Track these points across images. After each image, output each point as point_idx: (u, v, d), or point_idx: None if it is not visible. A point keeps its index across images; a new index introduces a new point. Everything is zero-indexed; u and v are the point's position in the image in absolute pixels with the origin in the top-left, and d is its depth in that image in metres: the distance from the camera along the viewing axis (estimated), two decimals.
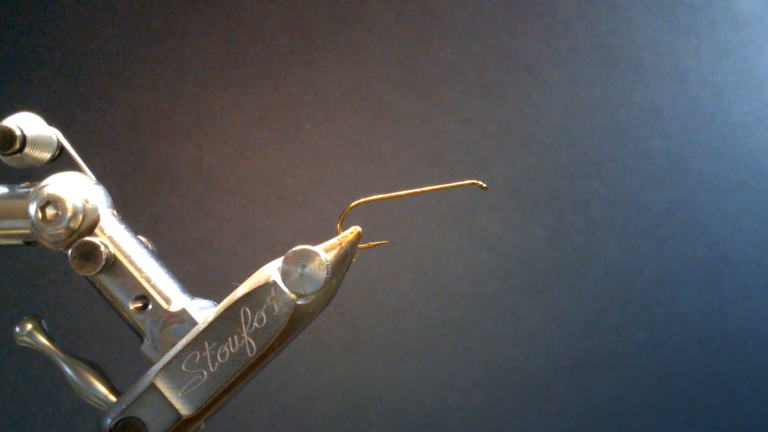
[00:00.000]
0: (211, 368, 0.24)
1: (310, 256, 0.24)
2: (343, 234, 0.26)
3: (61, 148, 0.26)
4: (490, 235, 0.85)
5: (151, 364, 0.25)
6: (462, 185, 0.28)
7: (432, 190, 0.28)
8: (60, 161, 0.27)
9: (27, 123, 0.24)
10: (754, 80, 0.90)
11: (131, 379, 0.25)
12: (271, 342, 0.24)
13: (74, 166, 0.27)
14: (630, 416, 0.85)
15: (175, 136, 0.83)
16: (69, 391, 0.26)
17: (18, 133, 0.24)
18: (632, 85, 0.89)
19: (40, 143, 0.25)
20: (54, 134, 0.25)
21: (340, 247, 0.25)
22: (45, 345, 0.26)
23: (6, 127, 0.24)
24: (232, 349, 0.24)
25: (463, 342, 0.84)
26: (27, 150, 0.24)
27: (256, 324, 0.24)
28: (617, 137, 0.88)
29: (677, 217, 0.87)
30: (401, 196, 0.28)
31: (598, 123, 0.88)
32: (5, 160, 0.25)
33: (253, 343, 0.24)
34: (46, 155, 0.25)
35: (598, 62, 0.89)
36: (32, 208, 0.24)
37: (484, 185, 0.28)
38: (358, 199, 0.28)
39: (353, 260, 0.26)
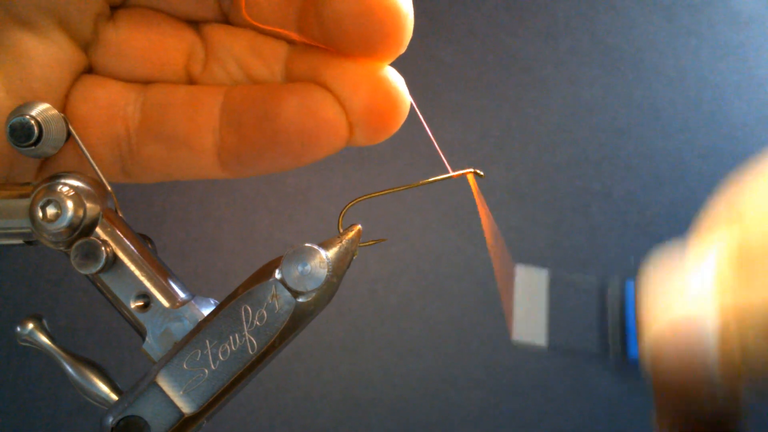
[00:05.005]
0: (212, 366, 0.24)
1: (310, 253, 0.24)
2: (343, 231, 0.26)
3: (68, 135, 0.26)
4: None
5: (153, 362, 0.25)
6: (460, 174, 0.29)
7: (430, 182, 0.29)
8: (62, 159, 0.27)
9: (41, 113, 0.24)
10: (754, 80, 0.90)
11: (133, 378, 0.25)
12: (272, 340, 0.24)
13: (78, 159, 0.27)
14: (630, 416, 0.85)
15: None
16: (70, 391, 0.26)
17: (33, 122, 0.24)
18: (632, 85, 0.89)
19: (56, 129, 0.25)
20: (64, 122, 0.25)
21: (340, 244, 0.25)
22: (46, 344, 0.26)
23: (23, 120, 0.24)
24: (233, 347, 0.24)
25: (463, 342, 0.84)
26: (44, 139, 0.24)
27: (257, 322, 0.24)
28: (617, 137, 0.88)
29: (677, 217, 0.87)
30: (400, 190, 0.28)
31: (598, 123, 0.88)
32: (22, 152, 0.25)
33: (254, 341, 0.24)
34: (59, 145, 0.25)
35: (598, 62, 0.89)
36: (33, 207, 0.24)
37: (482, 173, 0.29)
38: (358, 197, 0.28)
39: (354, 258, 0.26)
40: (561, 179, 0.86)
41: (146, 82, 0.28)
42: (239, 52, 0.27)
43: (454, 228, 0.84)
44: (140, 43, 0.27)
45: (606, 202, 0.86)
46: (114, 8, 0.27)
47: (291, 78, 0.27)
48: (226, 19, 0.28)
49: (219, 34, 0.28)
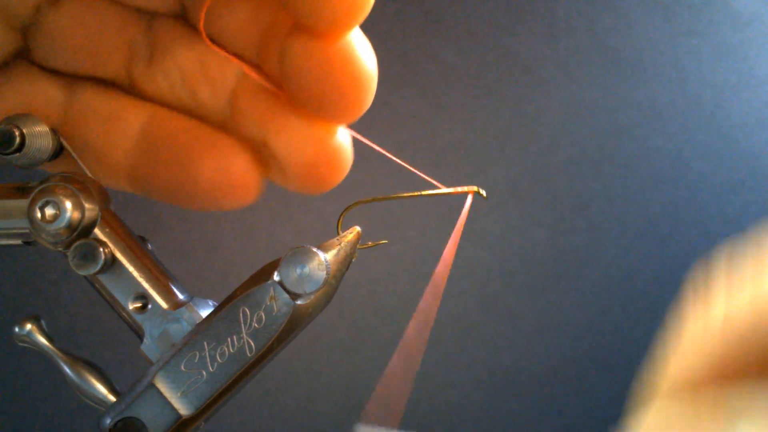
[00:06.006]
0: (210, 368, 0.24)
1: (309, 255, 0.24)
2: (342, 234, 0.26)
3: (61, 147, 0.26)
4: (490, 235, 0.85)
5: (151, 364, 0.25)
6: (463, 192, 0.29)
7: (431, 194, 0.28)
8: (59, 160, 0.27)
9: (25, 122, 0.24)
10: (754, 80, 0.90)
11: (131, 380, 0.25)
12: (271, 342, 0.24)
13: (73, 165, 0.27)
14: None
15: None
16: (68, 392, 0.26)
17: (17, 132, 0.24)
18: (632, 85, 0.89)
19: (39, 142, 0.25)
20: (52, 132, 0.25)
21: (339, 247, 0.25)
22: (44, 345, 0.26)
23: (4, 127, 0.24)
24: (231, 349, 0.24)
25: (463, 342, 0.84)
26: (26, 149, 0.24)
27: (255, 324, 0.24)
28: (617, 137, 0.88)
29: (677, 217, 0.87)
30: (400, 198, 0.28)
31: (598, 123, 0.88)
32: (5, 159, 0.25)
33: (252, 343, 0.24)
34: (45, 154, 0.25)
35: (598, 62, 0.89)
36: (31, 208, 0.24)
37: (485, 194, 0.28)
38: (358, 199, 0.28)
39: (353, 260, 0.26)
40: (561, 179, 0.86)
41: (81, 76, 0.27)
42: (187, 66, 0.26)
43: (454, 228, 0.84)
44: (78, 34, 0.26)
45: (606, 202, 0.86)
46: None
47: (234, 111, 0.26)
48: (184, 14, 0.26)
49: (170, 37, 0.26)
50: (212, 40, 0.26)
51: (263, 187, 0.27)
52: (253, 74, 0.25)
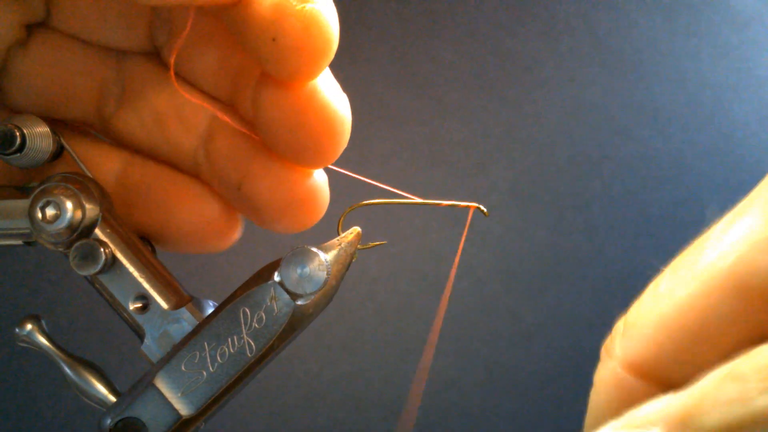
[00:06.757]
0: (210, 368, 0.24)
1: (309, 256, 0.24)
2: (342, 234, 0.26)
3: (61, 147, 0.26)
4: (490, 235, 0.85)
5: (151, 364, 0.25)
6: (464, 206, 0.29)
7: (433, 204, 0.28)
8: (59, 161, 0.27)
9: (26, 123, 0.24)
10: (754, 80, 0.90)
11: (131, 380, 0.25)
12: (271, 342, 0.24)
13: (74, 166, 0.27)
14: None
15: None
16: (69, 392, 0.26)
17: (17, 133, 0.24)
18: (632, 85, 0.89)
19: (40, 143, 0.25)
20: (53, 134, 0.25)
21: (339, 247, 0.25)
22: (45, 345, 0.26)
23: (5, 127, 0.24)
24: (231, 350, 0.24)
25: (463, 342, 0.84)
26: (26, 150, 0.24)
27: (255, 324, 0.24)
28: (617, 137, 0.88)
29: (677, 217, 0.87)
30: (402, 203, 0.28)
31: (598, 123, 0.88)
32: (5, 160, 0.25)
33: (252, 344, 0.24)
34: (46, 155, 0.25)
35: (598, 62, 0.89)
36: (32, 208, 0.24)
37: (486, 210, 0.28)
38: (359, 200, 0.28)
39: (353, 261, 0.26)
40: (561, 179, 0.86)
41: (54, 119, 0.26)
42: (159, 106, 0.25)
43: (454, 228, 0.84)
44: (47, 76, 0.25)
45: (606, 202, 0.86)
46: (35, 26, 0.25)
47: (208, 153, 0.26)
48: (157, 51, 0.26)
49: (142, 77, 0.25)
50: (186, 81, 0.25)
51: (243, 229, 0.27)
52: (225, 117, 0.25)
